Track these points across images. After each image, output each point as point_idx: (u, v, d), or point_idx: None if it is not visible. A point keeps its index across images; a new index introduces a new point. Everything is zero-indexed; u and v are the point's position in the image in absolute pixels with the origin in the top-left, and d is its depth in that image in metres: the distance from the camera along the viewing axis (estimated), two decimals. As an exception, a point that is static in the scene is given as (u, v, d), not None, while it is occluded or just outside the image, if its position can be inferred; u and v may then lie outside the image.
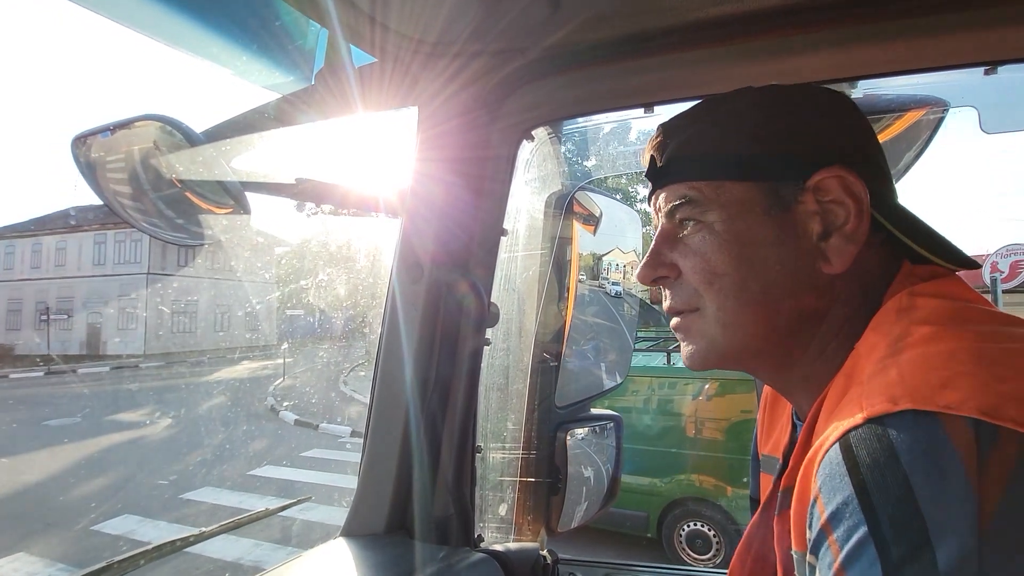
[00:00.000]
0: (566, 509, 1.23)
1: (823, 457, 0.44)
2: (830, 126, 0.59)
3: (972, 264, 0.59)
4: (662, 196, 0.63)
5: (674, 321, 0.64)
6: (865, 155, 0.59)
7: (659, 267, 0.63)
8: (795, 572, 0.52)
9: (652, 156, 0.65)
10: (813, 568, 0.44)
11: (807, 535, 0.46)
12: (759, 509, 0.68)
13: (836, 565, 0.40)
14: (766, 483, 0.75)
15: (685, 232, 0.61)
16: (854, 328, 0.56)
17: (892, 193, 0.61)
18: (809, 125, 0.59)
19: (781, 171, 0.57)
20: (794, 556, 0.52)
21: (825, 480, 0.43)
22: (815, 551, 0.44)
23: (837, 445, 0.43)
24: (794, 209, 0.57)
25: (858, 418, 0.43)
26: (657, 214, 0.65)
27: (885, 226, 0.58)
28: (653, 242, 0.64)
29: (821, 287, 0.57)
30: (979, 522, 0.36)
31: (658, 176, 0.64)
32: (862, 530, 0.39)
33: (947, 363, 0.44)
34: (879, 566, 0.38)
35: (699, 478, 5.18)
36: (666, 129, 0.64)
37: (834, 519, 0.41)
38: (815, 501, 0.44)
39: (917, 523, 0.37)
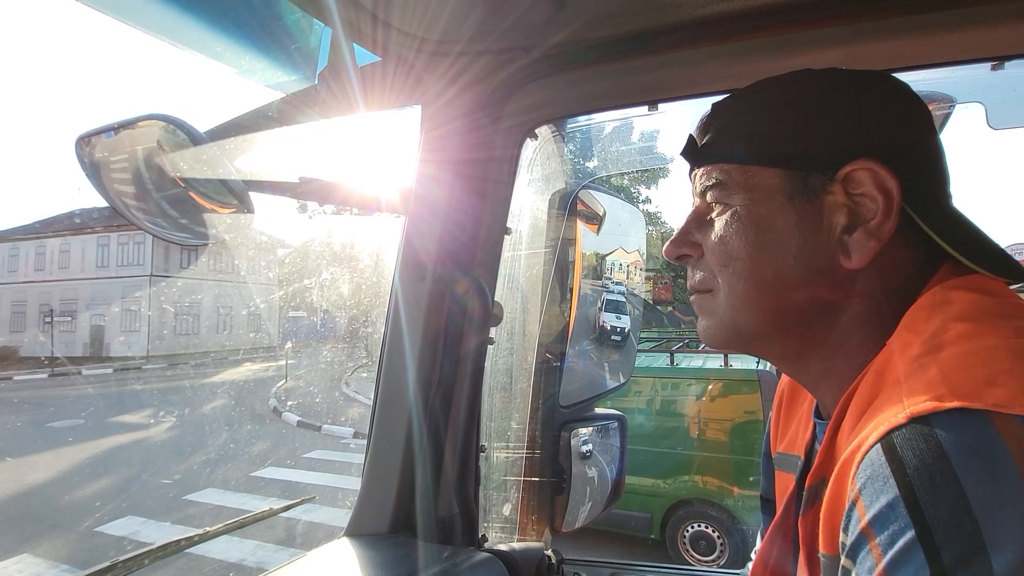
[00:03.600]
0: (570, 509, 1.22)
1: (862, 458, 0.42)
2: (873, 118, 0.57)
3: (1020, 275, 0.55)
4: (698, 176, 0.63)
5: (692, 298, 0.65)
6: (911, 150, 0.56)
7: (683, 245, 0.64)
8: (821, 575, 0.50)
9: (692, 136, 0.64)
10: (848, 572, 0.42)
11: (841, 538, 0.44)
12: (781, 508, 0.67)
13: (879, 570, 0.38)
14: (782, 481, 0.74)
15: (714, 213, 0.61)
16: (881, 325, 0.54)
17: (941, 193, 0.58)
18: (848, 115, 0.57)
19: (811, 160, 0.56)
20: (821, 559, 0.49)
21: (867, 482, 0.41)
22: (852, 555, 0.42)
23: (879, 445, 0.41)
24: (821, 199, 0.56)
25: (900, 417, 0.41)
26: (694, 193, 0.65)
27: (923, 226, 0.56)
28: (684, 219, 0.65)
29: (839, 280, 0.56)
30: None
31: (695, 156, 0.64)
32: (909, 534, 0.37)
33: (989, 360, 0.42)
34: (927, 572, 0.36)
35: (703, 479, 5.17)
36: (714, 108, 0.64)
37: (877, 522, 0.40)
38: (854, 503, 0.42)
39: (970, 527, 0.36)
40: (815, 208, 0.56)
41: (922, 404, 0.41)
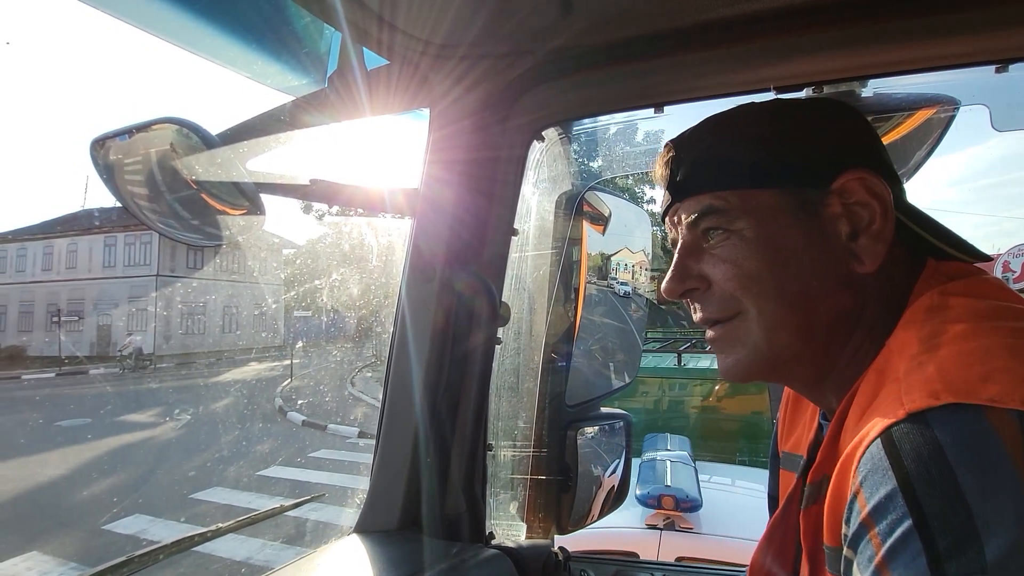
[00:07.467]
0: (576, 507, 1.23)
1: (863, 452, 0.44)
2: (843, 131, 0.61)
3: (983, 256, 0.60)
4: (682, 208, 0.63)
5: (711, 333, 0.63)
6: (880, 158, 0.61)
7: (687, 279, 0.63)
8: (826, 567, 0.52)
9: (671, 170, 0.65)
10: (850, 562, 0.44)
11: (843, 530, 0.46)
12: (781, 505, 0.69)
13: (878, 558, 0.40)
14: (785, 480, 0.76)
15: (711, 242, 0.61)
16: (884, 326, 0.57)
17: (903, 193, 0.62)
18: (824, 131, 0.61)
19: (805, 176, 0.59)
20: (826, 551, 0.52)
21: (867, 475, 0.43)
22: (853, 545, 0.43)
23: (879, 440, 0.43)
24: (821, 213, 0.58)
25: (899, 413, 0.43)
26: (676, 228, 0.65)
27: (905, 224, 0.60)
28: (676, 255, 0.63)
29: (855, 286, 0.58)
30: None
31: (679, 189, 0.63)
32: (906, 523, 0.39)
33: (984, 358, 0.44)
34: (924, 559, 0.38)
35: (708, 479, 5.15)
36: (678, 143, 0.65)
37: (876, 512, 0.41)
38: (855, 496, 0.44)
39: (964, 515, 0.37)
40: (817, 222, 0.58)
41: (918, 401, 0.43)
